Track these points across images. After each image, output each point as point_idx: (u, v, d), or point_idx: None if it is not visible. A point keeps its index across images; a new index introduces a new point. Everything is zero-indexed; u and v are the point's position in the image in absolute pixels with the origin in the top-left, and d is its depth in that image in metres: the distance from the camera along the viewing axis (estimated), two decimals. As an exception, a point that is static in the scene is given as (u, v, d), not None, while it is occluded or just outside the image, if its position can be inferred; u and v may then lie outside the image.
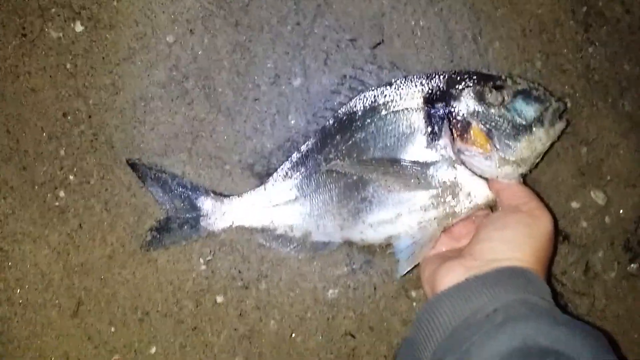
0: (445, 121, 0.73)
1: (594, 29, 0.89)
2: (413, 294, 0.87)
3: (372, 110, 0.78)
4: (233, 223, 0.84)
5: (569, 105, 0.87)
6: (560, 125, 0.74)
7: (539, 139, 0.72)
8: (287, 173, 0.82)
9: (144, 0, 0.89)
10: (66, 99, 0.89)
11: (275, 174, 0.83)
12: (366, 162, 0.76)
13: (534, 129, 0.71)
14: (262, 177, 0.85)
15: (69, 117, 0.89)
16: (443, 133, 0.74)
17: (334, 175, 0.79)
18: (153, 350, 0.88)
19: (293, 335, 0.87)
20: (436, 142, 0.74)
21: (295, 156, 0.82)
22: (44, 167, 0.89)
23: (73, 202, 0.89)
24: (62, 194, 0.89)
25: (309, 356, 0.87)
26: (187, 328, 0.88)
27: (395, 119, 0.76)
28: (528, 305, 0.58)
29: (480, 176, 0.74)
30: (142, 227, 0.88)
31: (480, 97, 0.73)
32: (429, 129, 0.74)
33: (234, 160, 0.88)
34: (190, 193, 0.84)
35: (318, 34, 0.88)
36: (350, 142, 0.78)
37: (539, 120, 0.72)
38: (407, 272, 0.77)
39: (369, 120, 0.77)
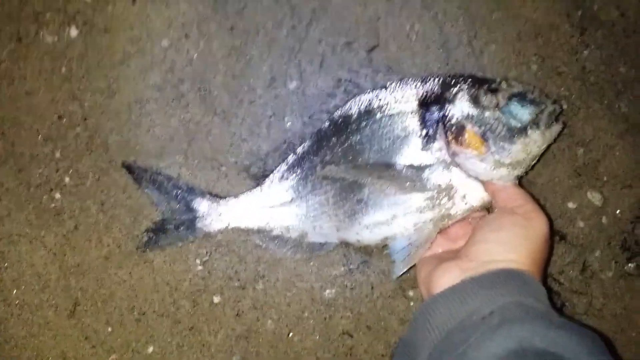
0: (440, 124, 0.73)
1: (590, 32, 0.89)
2: (410, 293, 0.88)
3: (368, 113, 0.78)
4: (229, 224, 0.84)
5: (564, 107, 0.87)
6: (556, 128, 0.74)
7: (535, 142, 0.71)
8: (283, 175, 0.82)
9: (139, 4, 0.89)
10: (61, 102, 0.89)
11: (271, 176, 0.84)
12: (361, 167, 0.76)
13: (529, 131, 0.71)
14: (258, 179, 0.85)
15: (64, 120, 0.89)
16: (438, 136, 0.74)
17: (330, 177, 0.79)
18: (150, 350, 0.88)
19: (290, 334, 0.88)
20: (431, 144, 0.74)
21: (291, 158, 0.83)
22: (40, 169, 0.89)
23: (69, 203, 0.89)
24: (58, 195, 0.89)
25: (307, 356, 0.88)
26: (184, 328, 0.88)
27: (390, 122, 0.76)
28: (524, 307, 0.58)
29: (476, 178, 0.74)
30: (138, 228, 0.88)
31: (475, 100, 0.73)
32: (424, 132, 0.74)
33: (230, 162, 0.88)
34: (186, 195, 0.84)
35: (314, 38, 0.88)
36: (346, 144, 0.78)
37: (535, 123, 0.71)
38: (403, 273, 0.77)
39: (364, 123, 0.77)
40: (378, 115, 0.77)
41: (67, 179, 0.89)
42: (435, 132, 0.74)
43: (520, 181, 0.77)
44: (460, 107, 0.73)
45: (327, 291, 0.88)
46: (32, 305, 0.89)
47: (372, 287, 0.88)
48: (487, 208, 0.78)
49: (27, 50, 0.90)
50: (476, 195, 0.75)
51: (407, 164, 0.74)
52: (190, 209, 0.84)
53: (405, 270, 0.76)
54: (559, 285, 0.88)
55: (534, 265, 0.65)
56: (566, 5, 0.89)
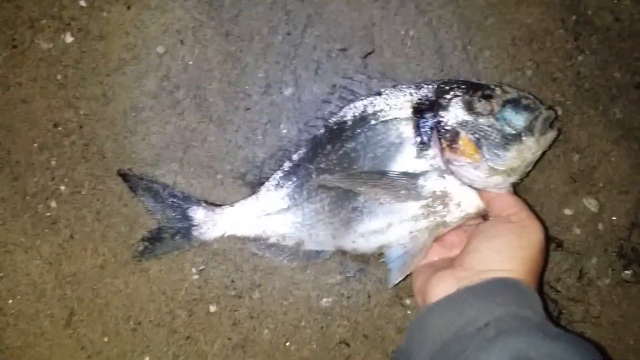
0: (434, 131, 0.73)
1: (584, 37, 0.89)
2: (407, 301, 0.87)
3: (362, 120, 0.78)
4: (225, 232, 0.84)
5: (559, 113, 0.87)
6: (551, 134, 0.73)
7: (529, 148, 0.71)
8: (278, 182, 0.82)
9: (134, 11, 0.89)
10: (57, 110, 0.89)
11: (267, 183, 0.83)
12: (355, 176, 0.75)
13: (523, 138, 0.71)
14: (254, 186, 0.85)
15: (59, 128, 0.89)
16: (432, 143, 0.73)
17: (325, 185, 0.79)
18: (146, 359, 0.88)
19: (287, 344, 0.87)
20: (425, 152, 0.74)
21: (286, 165, 0.82)
22: (35, 177, 0.89)
23: (64, 212, 0.89)
24: (53, 204, 0.89)
25: (304, 365, 0.87)
26: (180, 337, 0.88)
27: (384, 129, 0.76)
28: (519, 318, 0.58)
29: (470, 186, 0.73)
30: (134, 236, 0.88)
31: (469, 107, 0.72)
32: (418, 139, 0.74)
33: (225, 169, 0.88)
34: (181, 203, 0.84)
35: (309, 44, 0.89)
36: (341, 151, 0.78)
37: (529, 129, 0.71)
38: (399, 282, 0.77)
39: (358, 130, 0.77)
40: (372, 122, 0.77)
41: (62, 188, 0.89)
42: (429, 139, 0.73)
43: (517, 188, 0.77)
44: (454, 114, 0.73)
45: (324, 300, 0.87)
46: (28, 315, 0.88)
47: (369, 296, 0.87)
48: (483, 215, 0.77)
49: (22, 57, 0.90)
50: (471, 203, 0.74)
51: (402, 172, 0.74)
52: (186, 218, 0.84)
53: (401, 279, 0.76)
54: (556, 293, 0.87)
55: (530, 274, 0.65)
56: (560, 10, 0.89)
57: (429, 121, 0.74)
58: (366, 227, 0.77)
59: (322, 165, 0.79)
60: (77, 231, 0.89)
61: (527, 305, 0.60)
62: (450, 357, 0.57)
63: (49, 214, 0.89)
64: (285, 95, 0.89)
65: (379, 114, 0.77)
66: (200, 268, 0.88)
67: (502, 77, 0.88)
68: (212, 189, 0.88)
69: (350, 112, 0.79)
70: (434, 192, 0.74)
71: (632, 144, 0.88)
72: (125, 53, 0.89)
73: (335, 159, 0.78)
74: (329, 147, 0.79)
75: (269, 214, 0.82)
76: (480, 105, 0.72)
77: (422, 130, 0.74)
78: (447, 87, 0.75)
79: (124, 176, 0.86)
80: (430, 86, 0.76)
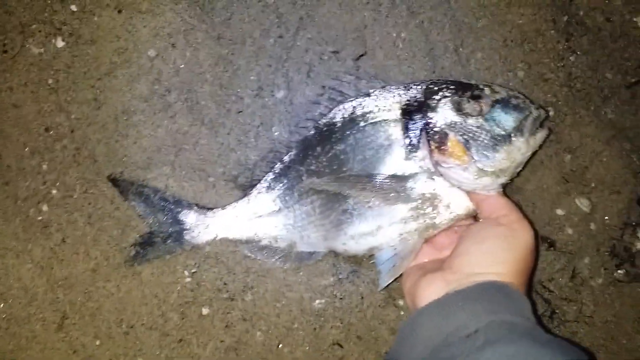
0: (422, 133, 0.73)
1: (576, 38, 0.89)
2: (400, 302, 0.87)
3: (351, 121, 0.77)
4: (217, 235, 0.84)
5: (551, 114, 0.87)
6: (541, 134, 0.73)
7: (519, 149, 0.71)
8: (270, 184, 0.82)
9: (125, 15, 0.89)
10: (48, 114, 0.89)
11: (258, 186, 0.83)
12: (344, 179, 0.75)
13: (513, 138, 0.70)
14: (246, 189, 0.85)
15: (51, 132, 0.89)
16: (421, 145, 0.73)
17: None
18: (140, 363, 0.88)
19: (280, 346, 0.87)
20: (414, 154, 0.73)
21: (277, 167, 0.82)
22: (27, 182, 0.89)
23: (56, 216, 0.89)
24: (45, 208, 0.89)
25: (297, 367, 0.87)
26: (172, 340, 0.87)
27: (373, 130, 0.75)
28: (508, 325, 0.58)
29: (459, 188, 0.73)
30: (126, 240, 0.87)
31: (458, 108, 0.72)
32: (407, 141, 0.73)
33: (217, 172, 0.88)
34: (173, 207, 0.84)
35: (301, 47, 0.89)
36: (331, 153, 0.78)
37: (518, 130, 0.70)
38: (389, 284, 0.76)
39: (348, 132, 0.77)
40: (361, 124, 0.76)
41: (54, 192, 0.89)
42: (418, 141, 0.73)
43: (506, 188, 0.77)
44: (443, 115, 0.72)
45: (317, 301, 0.87)
46: (20, 319, 0.88)
47: (362, 297, 0.87)
48: (473, 216, 0.77)
49: (13, 62, 0.90)
50: (461, 204, 0.74)
51: (391, 174, 0.74)
52: (177, 222, 0.84)
53: (391, 281, 0.76)
54: (549, 293, 0.87)
55: (519, 276, 0.65)
56: (552, 11, 0.89)
57: (417, 123, 0.73)
58: (356, 229, 0.77)
59: (312, 167, 0.79)
60: (68, 235, 0.88)
61: (516, 309, 0.60)
62: None
63: (40, 218, 0.89)
64: (277, 98, 0.89)
65: (367, 115, 0.76)
66: (193, 271, 0.87)
67: (494, 79, 0.88)
68: (204, 192, 0.88)
69: (339, 114, 0.79)
70: (423, 194, 0.74)
71: (624, 144, 0.88)
72: (117, 57, 0.89)
73: (325, 161, 0.78)
74: (318, 149, 0.79)
75: (260, 216, 0.82)
76: (469, 106, 0.72)
77: (411, 132, 0.73)
78: (436, 88, 0.75)
79: (114, 181, 0.86)
80: (419, 87, 0.76)
